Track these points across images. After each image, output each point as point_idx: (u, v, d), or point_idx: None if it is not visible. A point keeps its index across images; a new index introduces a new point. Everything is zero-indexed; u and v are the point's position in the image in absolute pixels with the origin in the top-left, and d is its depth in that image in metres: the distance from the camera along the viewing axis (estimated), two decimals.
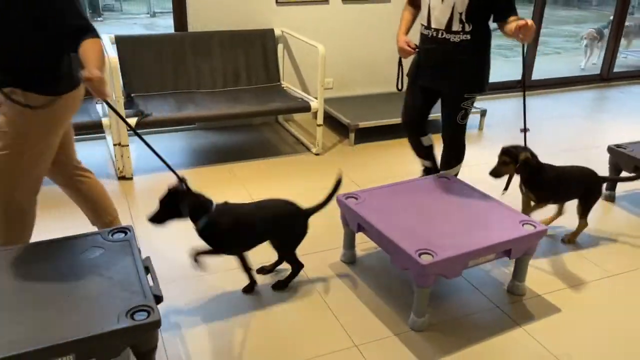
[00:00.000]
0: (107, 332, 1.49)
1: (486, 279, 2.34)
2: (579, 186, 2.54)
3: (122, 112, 2.98)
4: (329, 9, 4.01)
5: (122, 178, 3.14)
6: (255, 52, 3.77)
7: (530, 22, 2.18)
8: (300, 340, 1.96)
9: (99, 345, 1.50)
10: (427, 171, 2.93)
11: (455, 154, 2.74)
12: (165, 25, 9.82)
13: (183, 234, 2.68)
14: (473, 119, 4.23)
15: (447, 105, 2.61)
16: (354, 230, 2.30)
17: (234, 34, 3.71)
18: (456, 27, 2.40)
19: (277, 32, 3.84)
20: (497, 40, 9.24)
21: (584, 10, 12.98)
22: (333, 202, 2.18)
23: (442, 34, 2.44)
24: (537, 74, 5.25)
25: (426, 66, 2.57)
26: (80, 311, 1.57)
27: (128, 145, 3.08)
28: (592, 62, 6.49)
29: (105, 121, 3.03)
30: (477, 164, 3.46)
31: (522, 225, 2.14)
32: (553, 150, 3.76)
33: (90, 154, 3.47)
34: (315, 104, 3.44)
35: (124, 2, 11.14)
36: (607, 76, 5.44)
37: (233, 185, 3.12)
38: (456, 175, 2.76)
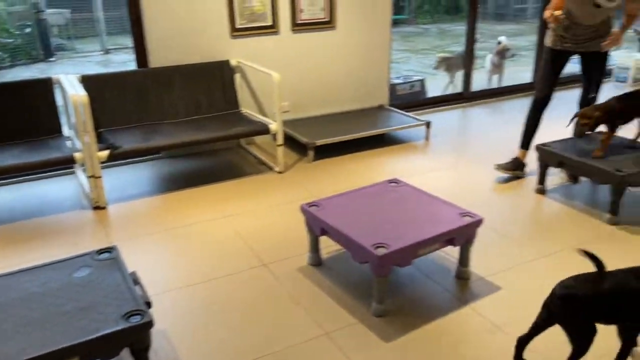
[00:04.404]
0: (107, 333, 1.71)
1: (436, 268, 2.65)
2: None
3: (95, 146, 3.19)
4: (280, 38, 4.33)
5: (96, 208, 3.32)
6: (214, 82, 4.05)
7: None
8: (275, 334, 2.20)
9: (101, 346, 1.72)
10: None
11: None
12: (119, 60, 9.99)
13: (162, 254, 2.90)
14: (420, 131, 4.62)
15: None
16: (317, 234, 2.57)
17: (193, 67, 3.98)
18: None
19: (234, 62, 4.13)
20: None
21: (519, 23, 13.85)
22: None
23: None
24: (476, 85, 5.72)
25: None
26: (80, 319, 1.78)
27: (101, 177, 3.27)
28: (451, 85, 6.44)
29: (77, 155, 3.22)
30: (424, 171, 3.81)
31: (462, 217, 2.46)
32: (497, 150, 4.15)
33: (62, 188, 3.64)
34: (274, 126, 3.73)
35: (75, 41, 11.23)
36: None
37: (202, 207, 3.35)
38: None
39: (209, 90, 4.04)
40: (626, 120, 3.24)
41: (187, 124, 3.82)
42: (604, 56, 3.38)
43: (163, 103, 3.88)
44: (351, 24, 4.60)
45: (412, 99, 5.67)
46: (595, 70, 3.46)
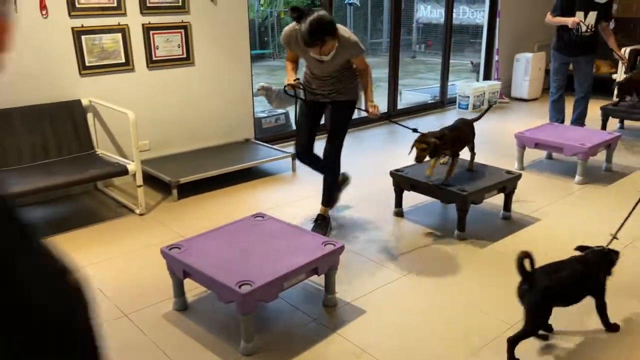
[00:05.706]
0: None
1: (304, 297, 2.69)
2: None
3: None
4: (136, 75, 4.19)
5: None
6: (63, 123, 3.78)
7: None
8: None
9: None
10: None
11: None
12: None
13: None
14: (286, 162, 4.71)
15: None
16: (181, 277, 2.48)
17: (38, 108, 3.69)
18: None
19: (85, 102, 3.90)
20: None
21: (375, 56, 14.83)
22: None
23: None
24: None
25: None
26: None
27: None
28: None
29: None
30: (292, 202, 3.88)
31: (324, 245, 2.53)
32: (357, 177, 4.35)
33: None
34: (132, 166, 3.57)
35: None
36: (393, 113, 6.41)
37: None
38: None
39: (58, 132, 3.76)
40: (460, 147, 3.54)
41: (34, 169, 3.51)
42: (348, 107, 3.45)
43: (4, 147, 3.53)
44: (210, 60, 4.59)
45: (278, 132, 5.78)
46: (333, 119, 3.52)
